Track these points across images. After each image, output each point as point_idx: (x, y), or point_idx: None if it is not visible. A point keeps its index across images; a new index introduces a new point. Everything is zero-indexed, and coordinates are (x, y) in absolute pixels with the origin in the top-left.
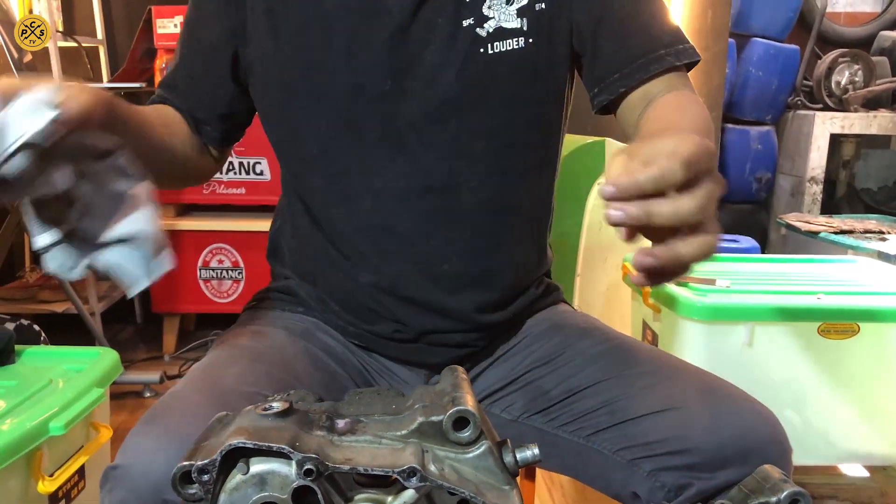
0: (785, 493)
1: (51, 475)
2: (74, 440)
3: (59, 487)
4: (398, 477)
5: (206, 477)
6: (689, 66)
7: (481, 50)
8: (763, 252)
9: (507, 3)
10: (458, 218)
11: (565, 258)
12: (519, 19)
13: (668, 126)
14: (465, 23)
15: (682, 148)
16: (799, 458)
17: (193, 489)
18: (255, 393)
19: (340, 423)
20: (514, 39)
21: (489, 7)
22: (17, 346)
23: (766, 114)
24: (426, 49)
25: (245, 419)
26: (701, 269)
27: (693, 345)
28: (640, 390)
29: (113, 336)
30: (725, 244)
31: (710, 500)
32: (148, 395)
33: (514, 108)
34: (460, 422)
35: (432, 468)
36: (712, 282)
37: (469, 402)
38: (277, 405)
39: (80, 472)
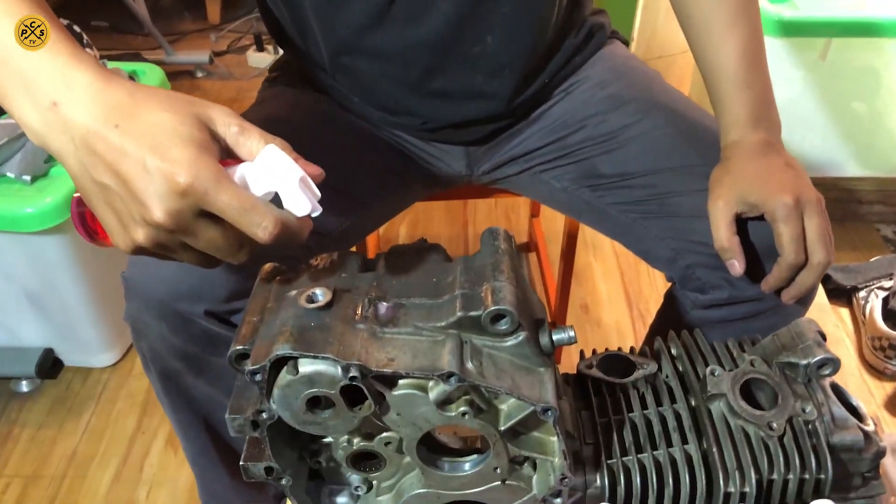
0: (815, 360)
1: None
2: None
3: None
4: (438, 379)
5: (258, 377)
6: None
7: None
8: None
9: None
10: None
11: None
12: None
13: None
14: None
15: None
16: (861, 170)
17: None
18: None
19: (382, 310)
20: None
21: None
22: None
23: None
24: None
25: (290, 313)
26: None
27: None
28: (693, 192)
29: (154, 4)
30: None
31: (741, 303)
32: (200, 74)
33: None
34: (498, 317)
35: (469, 366)
36: None
37: (507, 296)
38: (321, 294)
39: None
